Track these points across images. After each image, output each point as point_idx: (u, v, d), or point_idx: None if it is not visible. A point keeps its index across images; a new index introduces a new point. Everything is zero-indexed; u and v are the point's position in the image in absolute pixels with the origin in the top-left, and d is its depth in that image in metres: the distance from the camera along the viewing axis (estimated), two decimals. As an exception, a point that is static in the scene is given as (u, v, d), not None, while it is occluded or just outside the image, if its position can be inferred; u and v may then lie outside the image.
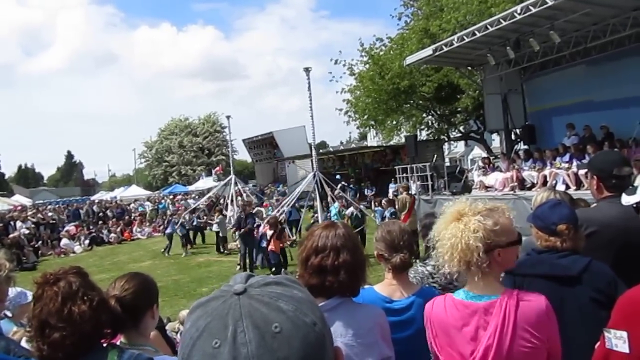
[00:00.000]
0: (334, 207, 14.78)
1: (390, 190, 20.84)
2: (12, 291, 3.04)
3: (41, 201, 41.93)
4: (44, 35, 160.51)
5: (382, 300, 2.39)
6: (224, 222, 17.53)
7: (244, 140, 40.36)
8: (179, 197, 34.02)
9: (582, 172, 12.83)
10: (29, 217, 22.98)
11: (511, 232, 1.93)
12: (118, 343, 1.96)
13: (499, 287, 1.93)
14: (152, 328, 2.25)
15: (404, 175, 18.74)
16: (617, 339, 1.68)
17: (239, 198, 22.18)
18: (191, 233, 18.81)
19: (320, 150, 15.62)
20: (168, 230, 18.06)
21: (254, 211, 14.72)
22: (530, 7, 12.13)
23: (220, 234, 17.13)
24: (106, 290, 2.01)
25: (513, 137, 18.80)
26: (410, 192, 14.53)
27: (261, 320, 0.70)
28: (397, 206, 13.38)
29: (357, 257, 1.98)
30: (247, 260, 13.27)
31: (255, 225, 13.42)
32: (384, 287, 2.50)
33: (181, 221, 18.01)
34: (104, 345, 1.75)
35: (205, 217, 21.47)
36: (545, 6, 11.75)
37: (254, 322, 0.70)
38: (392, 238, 2.49)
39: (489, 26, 13.47)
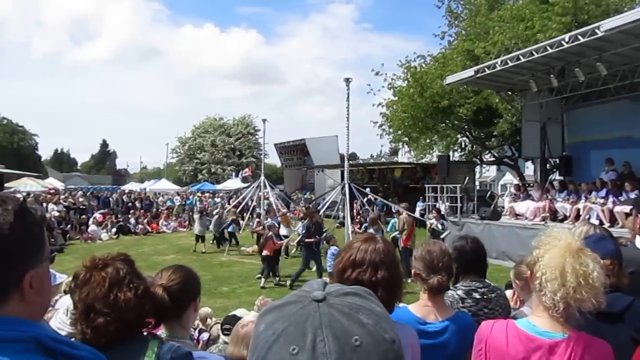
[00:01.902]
0: (393, 220, 14.07)
1: (418, 208, 20.65)
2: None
3: (73, 186, 42.86)
4: (92, 25, 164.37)
5: (415, 321, 2.35)
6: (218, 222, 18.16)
7: (275, 145, 40.61)
8: (207, 194, 34.37)
9: (617, 209, 12.52)
10: (60, 201, 23.49)
11: None
12: (159, 333, 1.98)
13: (566, 325, 1.86)
14: (193, 322, 2.27)
15: (433, 194, 18.61)
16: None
17: (266, 202, 22.31)
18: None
19: (351, 162, 15.59)
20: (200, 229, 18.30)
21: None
22: (579, 37, 11.95)
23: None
24: (152, 280, 2.03)
25: (548, 166, 18.48)
26: (412, 213, 14.20)
27: (341, 332, 0.69)
28: (397, 226, 12.90)
29: (395, 274, 1.94)
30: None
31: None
32: (418, 307, 2.46)
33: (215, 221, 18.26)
34: (145, 334, 1.77)
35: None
36: (594, 37, 11.57)
37: (333, 333, 0.68)
38: (432, 258, 2.45)
39: (534, 52, 13.30)
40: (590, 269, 1.75)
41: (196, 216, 19.02)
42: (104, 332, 1.63)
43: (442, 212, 15.41)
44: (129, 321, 1.68)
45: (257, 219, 17.71)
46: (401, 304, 2.39)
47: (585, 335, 1.82)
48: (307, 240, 12.35)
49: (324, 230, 13.37)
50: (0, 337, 0.96)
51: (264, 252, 12.38)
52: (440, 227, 13.79)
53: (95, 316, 1.64)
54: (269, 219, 14.64)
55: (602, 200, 13.11)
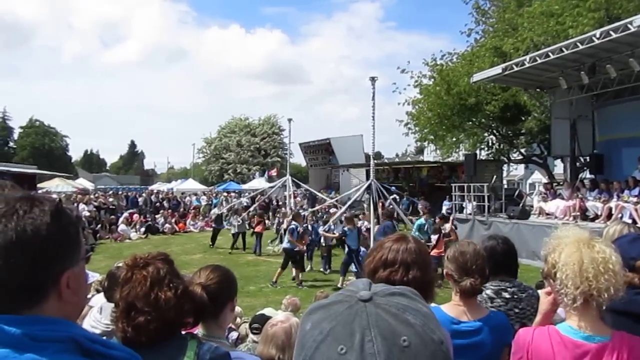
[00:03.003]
0: (420, 221, 13.71)
1: (444, 207, 20.46)
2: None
3: (102, 186, 43.71)
4: (121, 28, 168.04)
5: (449, 322, 2.33)
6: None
7: (300, 144, 40.70)
8: (233, 194, 34.63)
9: (652, 207, 12.25)
10: (91, 201, 23.97)
11: None
12: (196, 332, 2.01)
13: (606, 327, 1.83)
14: (230, 321, 2.29)
15: (460, 193, 18.41)
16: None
17: (292, 200, 22.39)
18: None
19: (376, 161, 15.55)
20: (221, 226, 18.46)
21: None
22: (611, 32, 11.68)
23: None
24: (190, 279, 2.06)
25: (578, 164, 18.13)
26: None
27: (389, 332, 0.69)
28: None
29: (427, 274, 1.92)
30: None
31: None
32: (451, 308, 2.44)
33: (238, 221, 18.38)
34: (184, 334, 1.80)
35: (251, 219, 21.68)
36: (627, 32, 11.30)
37: (381, 333, 0.68)
38: (465, 260, 2.42)
39: (564, 49, 13.05)
40: (608, 254, 1.75)
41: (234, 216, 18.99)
42: (145, 331, 1.66)
43: (467, 209, 15.13)
44: (168, 320, 1.70)
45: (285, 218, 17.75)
46: (433, 304, 2.38)
47: (628, 335, 1.79)
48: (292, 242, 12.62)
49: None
50: (40, 337, 0.97)
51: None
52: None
53: (136, 315, 1.67)
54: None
55: (635, 199, 12.82)
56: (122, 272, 1.78)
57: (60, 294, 1.06)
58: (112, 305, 1.85)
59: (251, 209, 22.92)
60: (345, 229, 12.67)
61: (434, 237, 12.43)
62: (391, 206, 16.54)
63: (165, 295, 1.70)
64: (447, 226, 12.60)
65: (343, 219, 13.89)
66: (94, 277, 4.02)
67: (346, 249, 12.64)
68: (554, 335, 1.85)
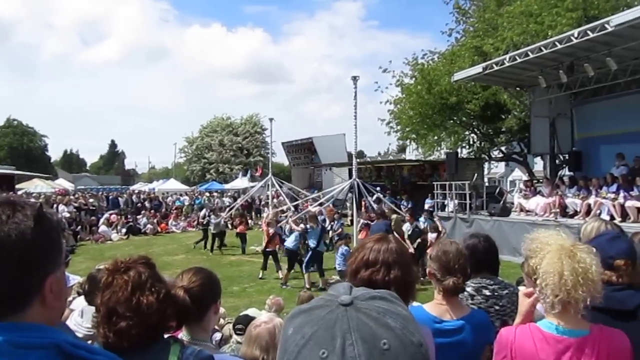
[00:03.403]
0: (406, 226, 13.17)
1: (426, 206, 20.60)
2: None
3: (82, 187, 43.17)
4: (102, 26, 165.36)
5: (432, 321, 2.36)
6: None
7: (283, 144, 40.62)
8: (215, 194, 34.47)
9: (629, 203, 12.46)
10: (71, 202, 23.66)
11: None
12: (180, 335, 1.99)
13: (585, 321, 1.88)
14: (214, 324, 2.28)
15: (442, 191, 18.56)
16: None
17: (274, 200, 22.38)
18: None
19: (358, 160, 15.60)
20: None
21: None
22: (589, 32, 11.87)
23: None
24: (173, 282, 2.05)
25: (558, 162, 18.38)
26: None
27: (369, 335, 0.70)
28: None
29: (409, 274, 1.94)
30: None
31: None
32: (433, 306, 2.47)
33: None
34: (167, 338, 1.78)
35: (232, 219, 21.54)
36: (604, 32, 11.49)
37: (362, 336, 0.69)
38: (448, 260, 2.45)
39: (543, 48, 13.23)
40: (589, 263, 1.78)
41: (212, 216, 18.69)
42: (127, 336, 1.64)
43: (449, 207, 15.23)
44: (151, 325, 1.69)
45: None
46: (415, 303, 2.40)
47: (606, 328, 1.85)
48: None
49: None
50: (22, 344, 0.96)
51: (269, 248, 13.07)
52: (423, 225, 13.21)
53: (117, 320, 1.65)
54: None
55: (613, 195, 13.04)
56: (103, 276, 1.76)
57: (44, 299, 1.05)
58: (93, 308, 1.82)
59: (233, 208, 22.83)
60: (307, 226, 12.64)
61: (432, 236, 12.54)
62: (384, 205, 16.60)
63: (147, 300, 1.69)
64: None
65: (307, 216, 13.91)
66: (75, 279, 3.95)
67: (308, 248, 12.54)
68: (535, 332, 1.88)
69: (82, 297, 3.69)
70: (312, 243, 12.18)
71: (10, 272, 0.99)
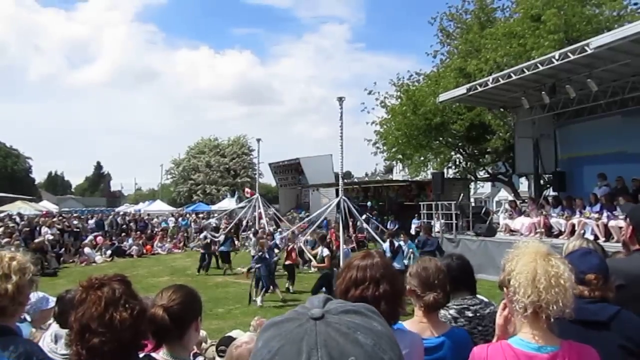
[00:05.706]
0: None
1: (413, 226, 20.64)
2: (34, 296, 3.02)
3: (67, 209, 42.63)
4: (89, 49, 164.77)
5: (412, 338, 2.34)
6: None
7: (270, 164, 40.64)
8: (202, 215, 34.24)
9: (612, 223, 12.57)
10: (54, 224, 23.33)
11: None
12: (161, 354, 1.96)
13: (555, 337, 1.88)
14: (195, 341, 2.25)
15: (428, 212, 18.61)
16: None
17: (261, 221, 22.26)
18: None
19: (345, 180, 15.67)
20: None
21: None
22: (569, 54, 12.10)
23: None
24: (153, 300, 2.02)
25: (542, 182, 18.55)
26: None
27: (337, 352, 0.67)
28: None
29: (396, 286, 2.00)
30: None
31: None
32: (413, 324, 2.45)
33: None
34: (142, 356, 1.75)
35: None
36: (584, 54, 11.71)
37: (329, 353, 0.66)
38: (428, 275, 2.45)
39: (525, 70, 13.45)
40: (562, 270, 1.80)
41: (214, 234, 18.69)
42: (99, 353, 1.62)
43: (435, 227, 15.32)
44: (124, 342, 1.66)
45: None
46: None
47: (575, 344, 1.85)
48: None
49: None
50: None
51: None
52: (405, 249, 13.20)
53: (90, 336, 1.63)
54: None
55: (596, 215, 13.17)
56: (77, 293, 1.74)
57: None
58: (66, 331, 1.79)
59: (228, 229, 22.65)
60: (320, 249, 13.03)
61: None
62: (396, 227, 16.62)
63: (120, 316, 1.67)
64: None
65: (316, 237, 14.21)
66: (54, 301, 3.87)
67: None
68: (506, 349, 1.89)
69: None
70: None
71: None
